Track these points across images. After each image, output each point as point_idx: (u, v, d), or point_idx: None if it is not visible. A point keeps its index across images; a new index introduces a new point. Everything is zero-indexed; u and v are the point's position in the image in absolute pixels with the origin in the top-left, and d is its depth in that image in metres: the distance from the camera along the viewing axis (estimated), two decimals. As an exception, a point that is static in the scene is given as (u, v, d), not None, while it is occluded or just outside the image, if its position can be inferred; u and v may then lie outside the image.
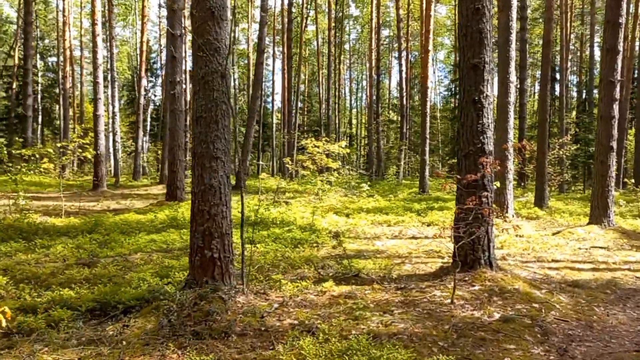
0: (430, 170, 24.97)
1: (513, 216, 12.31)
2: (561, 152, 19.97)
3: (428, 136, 21.80)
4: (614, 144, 10.60)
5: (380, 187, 26.75)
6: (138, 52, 36.17)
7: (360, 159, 58.45)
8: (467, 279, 5.82)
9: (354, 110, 71.88)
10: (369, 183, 29.80)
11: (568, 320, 4.91)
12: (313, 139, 13.27)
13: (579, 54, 43.16)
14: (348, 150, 14.47)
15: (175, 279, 5.63)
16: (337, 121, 48.04)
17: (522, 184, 23.51)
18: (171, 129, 14.63)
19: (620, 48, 10.50)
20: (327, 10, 44.09)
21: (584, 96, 35.24)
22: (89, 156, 12.18)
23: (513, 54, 12.34)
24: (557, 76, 32.42)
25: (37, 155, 11.14)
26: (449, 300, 5.19)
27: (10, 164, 11.91)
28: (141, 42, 31.43)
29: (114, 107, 28.67)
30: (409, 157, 44.12)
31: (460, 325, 4.54)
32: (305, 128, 55.81)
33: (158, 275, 5.82)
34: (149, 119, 47.66)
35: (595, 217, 10.75)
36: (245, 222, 8.58)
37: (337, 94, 49.78)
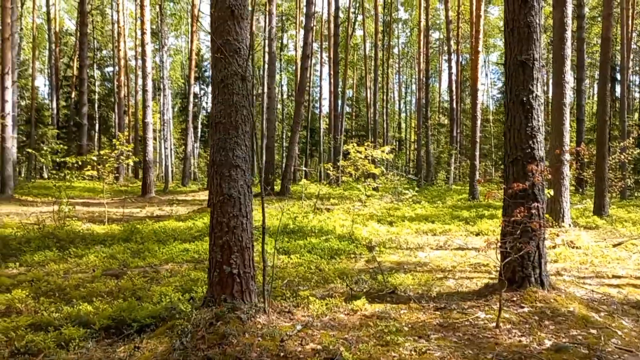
0: (481, 175, 24.07)
1: (570, 225, 11.49)
2: (622, 156, 18.69)
3: (479, 140, 20.97)
4: (684, 148, 9.67)
5: (428, 193, 26.00)
6: (188, 60, 36.81)
7: (409, 164, 57.43)
8: (515, 299, 5.27)
9: (403, 115, 70.89)
10: (416, 189, 29.04)
11: (632, 350, 4.30)
12: (355, 144, 12.84)
13: (642, 52, 40.80)
14: (392, 156, 13.95)
15: (198, 293, 5.35)
16: (384, 125, 47.29)
17: (580, 190, 22.26)
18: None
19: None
20: (374, 14, 43.43)
21: (647, 97, 33.18)
22: (131, 163, 12.22)
23: (568, 52, 11.54)
24: (618, 76, 30.71)
25: (79, 163, 11.26)
26: (494, 324, 4.67)
27: (54, 171, 12.11)
28: (190, 51, 31.92)
29: (163, 114, 29.20)
30: (460, 162, 42.91)
31: (505, 355, 4.02)
32: (353, 133, 55.37)
33: (182, 289, 5.57)
34: (199, 126, 48.54)
35: (662, 227, 9.83)
36: (282, 231, 8.29)
37: (385, 98, 49.08)
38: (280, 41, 48.04)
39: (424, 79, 35.58)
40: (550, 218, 11.29)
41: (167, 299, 5.07)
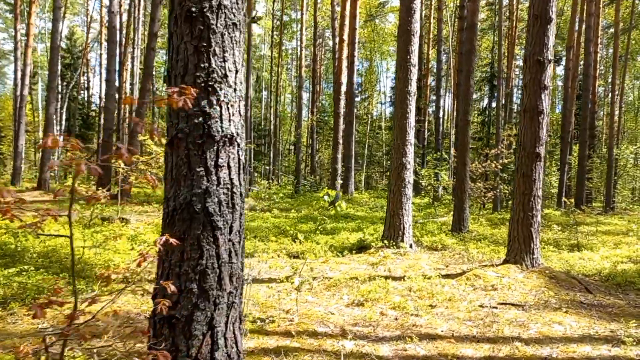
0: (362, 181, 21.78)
1: (411, 246, 9.08)
2: (493, 165, 17.05)
3: (341, 141, 18.64)
4: (542, 150, 7.50)
5: (301, 201, 23.19)
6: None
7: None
8: None
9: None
10: (287, 195, 26.38)
11: None
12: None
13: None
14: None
15: None
16: (270, 127, 44.50)
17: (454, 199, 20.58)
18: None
19: (553, 12, 7.47)
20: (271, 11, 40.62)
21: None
22: None
23: (417, 26, 9.18)
24: (502, 87, 30.05)
25: None
26: None
27: None
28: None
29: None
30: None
31: None
32: (254, 134, 51.83)
33: None
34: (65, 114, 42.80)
35: (513, 252, 7.60)
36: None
37: (276, 98, 46.06)
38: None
39: (298, 79, 33.17)
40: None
41: None
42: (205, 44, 2.55)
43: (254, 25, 51.96)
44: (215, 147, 2.56)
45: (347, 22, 17.62)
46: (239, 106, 2.68)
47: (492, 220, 16.05)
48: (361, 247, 9.18)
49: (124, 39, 39.72)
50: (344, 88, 17.63)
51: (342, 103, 17.42)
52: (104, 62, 32.18)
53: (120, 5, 38.50)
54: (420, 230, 12.01)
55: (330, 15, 35.31)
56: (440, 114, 35.10)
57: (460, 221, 12.02)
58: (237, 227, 2.67)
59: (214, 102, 2.57)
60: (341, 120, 17.09)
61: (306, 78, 51.15)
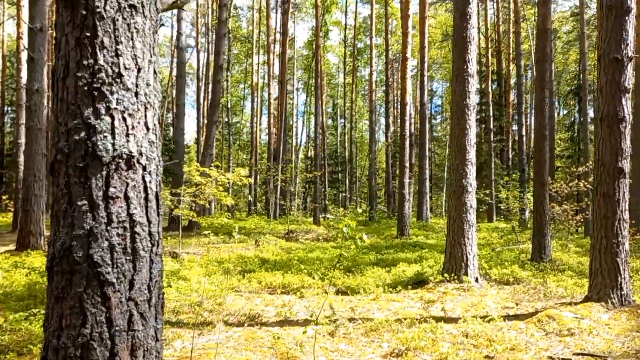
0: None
1: (476, 280, 7.94)
2: (581, 184, 15.26)
3: (408, 164, 17.52)
4: (626, 165, 6.23)
5: (369, 228, 22.27)
6: None
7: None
8: None
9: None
10: (362, 222, 25.62)
11: None
12: (197, 165, 9.38)
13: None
14: (250, 180, 10.53)
15: None
16: (346, 154, 44.02)
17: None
18: (25, 152, 11.03)
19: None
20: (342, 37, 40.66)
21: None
22: None
23: (473, 32, 8.21)
24: (588, 100, 27.64)
25: None
26: None
27: None
28: None
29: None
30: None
31: None
32: (327, 162, 51.81)
33: None
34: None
35: (596, 288, 6.30)
36: None
37: (351, 125, 45.61)
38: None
39: (369, 103, 32.54)
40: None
41: None
42: (89, 34, 1.91)
43: (329, 54, 52.32)
44: (104, 172, 1.89)
45: (409, 39, 16.80)
46: (145, 116, 2.00)
47: (583, 246, 14.29)
48: (419, 282, 8.16)
49: (202, 75, 41.30)
50: (410, 109, 16.73)
51: (409, 124, 16.48)
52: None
53: (197, 43, 40.03)
54: (495, 259, 10.74)
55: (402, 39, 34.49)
56: (525, 132, 33.08)
57: (540, 249, 10.62)
58: (143, 279, 1.96)
59: (102, 111, 1.90)
60: (407, 143, 16.10)
61: (381, 103, 50.64)
